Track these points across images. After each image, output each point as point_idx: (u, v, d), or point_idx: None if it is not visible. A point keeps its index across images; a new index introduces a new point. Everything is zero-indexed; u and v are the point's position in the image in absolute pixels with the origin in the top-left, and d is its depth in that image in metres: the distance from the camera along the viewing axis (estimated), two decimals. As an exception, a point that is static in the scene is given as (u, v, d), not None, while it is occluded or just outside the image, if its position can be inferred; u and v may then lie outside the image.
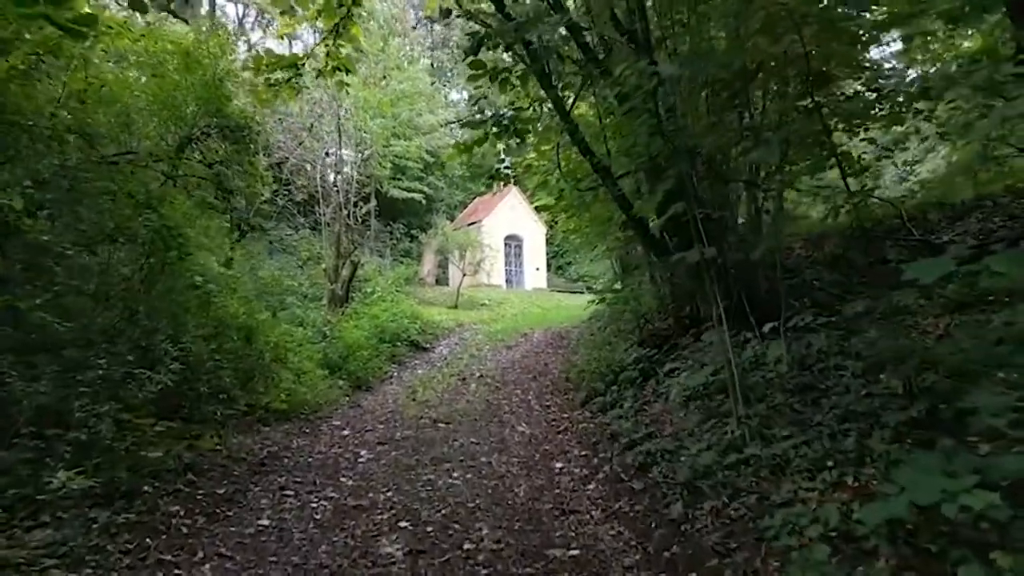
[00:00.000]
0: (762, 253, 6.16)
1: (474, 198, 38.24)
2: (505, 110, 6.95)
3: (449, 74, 46.44)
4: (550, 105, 8.69)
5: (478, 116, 7.09)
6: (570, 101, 7.93)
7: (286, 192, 18.69)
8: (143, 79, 8.15)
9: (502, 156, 8.97)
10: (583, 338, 13.38)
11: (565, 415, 8.19)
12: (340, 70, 6.73)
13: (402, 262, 25.23)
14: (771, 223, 7.30)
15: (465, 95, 49.29)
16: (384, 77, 21.48)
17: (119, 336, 5.68)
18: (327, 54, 6.55)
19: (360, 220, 18.38)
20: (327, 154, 16.58)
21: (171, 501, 4.96)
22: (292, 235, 16.37)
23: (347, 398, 10.32)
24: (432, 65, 43.07)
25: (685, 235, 7.38)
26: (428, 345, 15.33)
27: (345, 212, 16.10)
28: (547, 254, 36.03)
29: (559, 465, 6.33)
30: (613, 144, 8.58)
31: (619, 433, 6.47)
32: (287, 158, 17.41)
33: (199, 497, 5.22)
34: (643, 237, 8.43)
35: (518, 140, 7.14)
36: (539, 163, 9.78)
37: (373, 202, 22.19)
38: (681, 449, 5.39)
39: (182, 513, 4.83)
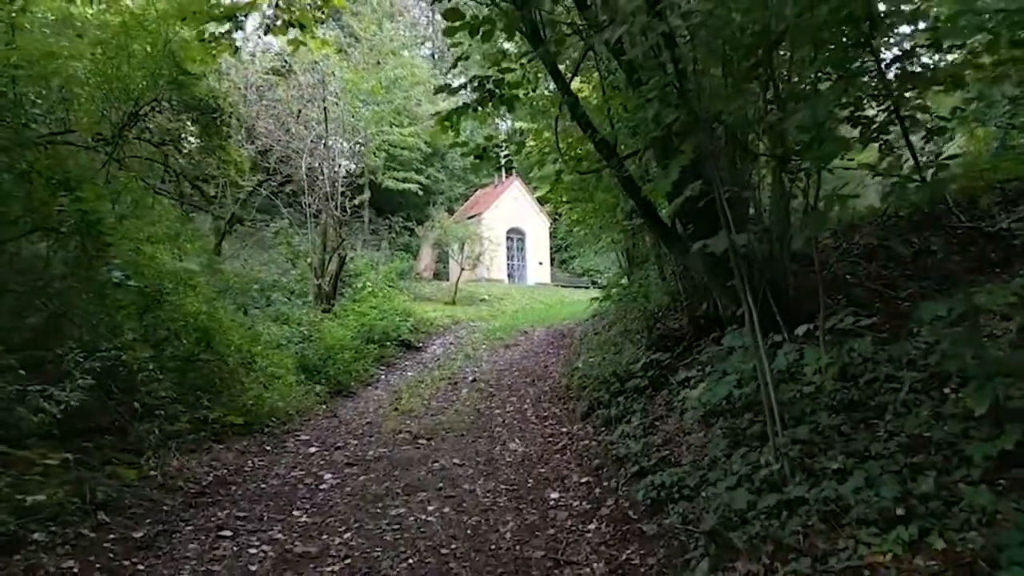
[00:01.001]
0: (802, 243, 5.12)
1: (475, 190, 37.20)
2: (488, 73, 5.88)
3: (449, 62, 45.27)
4: (545, 72, 7.69)
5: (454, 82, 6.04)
6: (569, 74, 6.92)
7: (274, 183, 17.74)
8: (82, 48, 7.11)
9: (493, 134, 7.91)
10: (586, 337, 12.34)
11: (564, 429, 7.17)
12: (294, 26, 5.69)
13: (400, 256, 24.23)
14: (808, 207, 6.29)
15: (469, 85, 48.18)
16: (378, 62, 20.40)
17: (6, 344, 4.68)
18: (277, 5, 5.51)
19: (351, 212, 17.35)
20: (312, 141, 15.54)
21: (66, 553, 3.95)
22: (278, 228, 15.28)
23: (323, 406, 9.31)
24: (433, 56, 42.06)
25: (702, 222, 6.41)
26: (420, 344, 14.32)
27: (332, 203, 15.07)
28: (551, 248, 34.98)
29: (555, 496, 5.30)
30: (619, 124, 7.57)
31: (626, 456, 5.44)
32: (272, 146, 16.41)
33: (107, 545, 4.21)
34: (652, 225, 7.39)
35: (505, 109, 6.10)
36: (535, 142, 8.73)
37: (367, 193, 21.17)
38: (704, 484, 4.36)
39: (76, 570, 3.83)
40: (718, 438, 4.95)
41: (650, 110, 5.61)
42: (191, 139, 11.08)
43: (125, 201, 7.24)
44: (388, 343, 13.27)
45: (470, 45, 5.84)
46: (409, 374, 11.85)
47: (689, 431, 5.51)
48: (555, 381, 9.81)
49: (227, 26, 5.66)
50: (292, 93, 16.92)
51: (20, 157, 5.62)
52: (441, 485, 5.61)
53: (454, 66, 6.19)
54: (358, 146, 18.68)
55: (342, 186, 16.63)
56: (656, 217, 7.37)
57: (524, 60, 5.84)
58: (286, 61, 18.16)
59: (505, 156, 7.26)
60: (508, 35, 5.82)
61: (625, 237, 16.56)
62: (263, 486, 5.72)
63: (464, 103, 6.02)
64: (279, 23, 5.70)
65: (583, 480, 5.53)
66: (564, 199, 17.92)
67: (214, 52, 5.92)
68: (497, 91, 5.86)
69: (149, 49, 7.26)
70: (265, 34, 6.35)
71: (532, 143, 8.93)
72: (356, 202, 18.33)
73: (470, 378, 10.80)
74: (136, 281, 7.14)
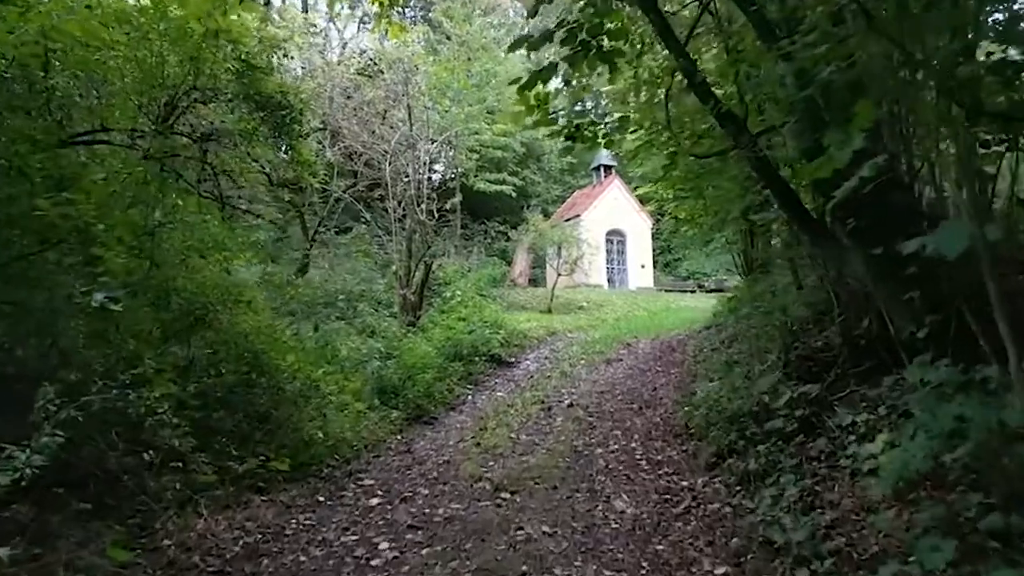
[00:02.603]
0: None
1: (573, 192, 35.71)
2: (579, 14, 4.45)
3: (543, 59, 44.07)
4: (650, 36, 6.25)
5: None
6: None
7: (361, 188, 17.01)
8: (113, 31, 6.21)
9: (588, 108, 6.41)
10: (702, 354, 10.66)
11: (684, 483, 5.61)
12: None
13: (493, 263, 23.11)
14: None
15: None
16: (469, 59, 19.37)
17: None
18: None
19: (439, 216, 16.33)
20: (397, 142, 14.59)
21: None
22: (356, 234, 14.36)
23: (398, 437, 8.14)
24: (528, 55, 40.88)
25: (866, 214, 4.89)
26: (512, 359, 13.01)
27: (419, 207, 14.03)
28: (653, 250, 32.99)
29: (682, 599, 3.81)
30: (750, 95, 5.99)
31: (784, 546, 3.86)
32: (358, 149, 15.62)
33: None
34: (797, 219, 5.75)
35: (604, 69, 4.67)
36: (636, 123, 7.24)
37: (457, 196, 20.15)
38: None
39: None
40: (927, 533, 3.32)
41: (796, 63, 4.14)
42: (261, 139, 10.22)
43: (166, 206, 6.29)
44: (476, 359, 12.04)
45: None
46: (498, 394, 10.55)
47: (873, 507, 3.88)
48: (667, 410, 8.23)
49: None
50: (378, 94, 16.12)
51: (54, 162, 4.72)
52: (525, 569, 4.21)
53: (533, 14, 4.77)
54: (448, 146, 17.69)
55: (430, 189, 15.64)
56: (802, 209, 5.74)
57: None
58: (373, 61, 17.48)
59: (604, 135, 5.78)
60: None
61: (742, 237, 14.73)
62: (302, 559, 4.52)
63: (551, 62, 4.62)
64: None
65: (720, 573, 3.99)
66: (670, 195, 16.29)
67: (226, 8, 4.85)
68: (593, 43, 4.43)
69: (179, 29, 6.26)
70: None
71: (633, 126, 7.41)
72: (447, 206, 17.30)
73: (566, 402, 9.37)
74: (179, 299, 6.27)
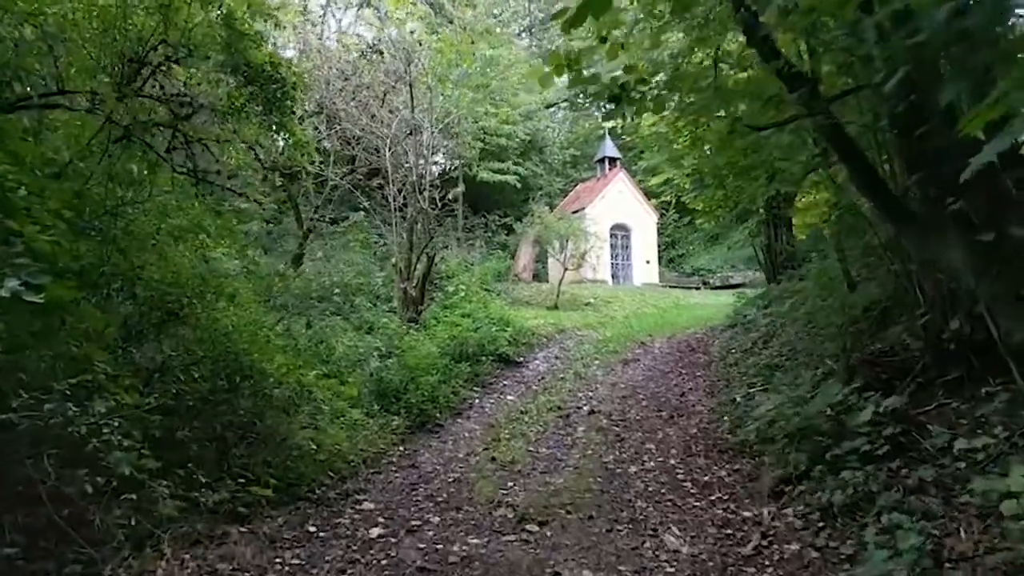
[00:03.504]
0: None
1: (575, 185, 34.75)
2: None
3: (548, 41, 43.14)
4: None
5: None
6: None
7: (359, 175, 16.07)
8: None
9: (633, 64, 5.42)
10: (731, 356, 9.76)
11: (746, 513, 4.70)
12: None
13: (498, 256, 22.14)
14: None
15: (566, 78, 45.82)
16: (472, 42, 18.38)
17: None
18: None
19: (442, 206, 15.36)
20: (398, 126, 13.64)
21: None
22: (354, 221, 13.32)
23: (400, 448, 7.22)
24: (530, 45, 40.01)
25: (983, 195, 4.05)
26: (521, 359, 12.08)
27: (421, 195, 13.08)
28: (658, 246, 32.04)
29: None
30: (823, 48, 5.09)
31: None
32: (356, 134, 14.66)
33: None
34: (875, 198, 4.89)
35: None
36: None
37: (460, 186, 19.20)
38: None
39: None
40: None
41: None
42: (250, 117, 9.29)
43: (132, 180, 5.37)
44: (483, 358, 11.12)
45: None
46: (508, 398, 9.64)
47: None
48: (703, 420, 7.32)
49: None
50: (377, 76, 15.17)
51: None
52: (569, 635, 3.30)
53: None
54: (450, 131, 16.72)
55: (433, 177, 14.71)
56: (883, 188, 4.88)
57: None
58: (371, 45, 16.52)
59: (655, 96, 4.88)
60: None
61: (765, 230, 13.82)
62: (286, 615, 3.61)
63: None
64: None
65: (825, 649, 3.09)
66: (687, 185, 15.36)
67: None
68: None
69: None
70: None
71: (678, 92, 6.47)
72: (450, 196, 16.33)
73: (585, 408, 8.47)
74: (148, 291, 5.35)
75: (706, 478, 5.51)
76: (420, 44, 13.29)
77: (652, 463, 6.08)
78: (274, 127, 9.96)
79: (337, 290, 13.55)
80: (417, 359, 9.15)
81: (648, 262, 30.51)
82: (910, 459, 4.21)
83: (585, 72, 4.91)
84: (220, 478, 4.85)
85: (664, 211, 31.52)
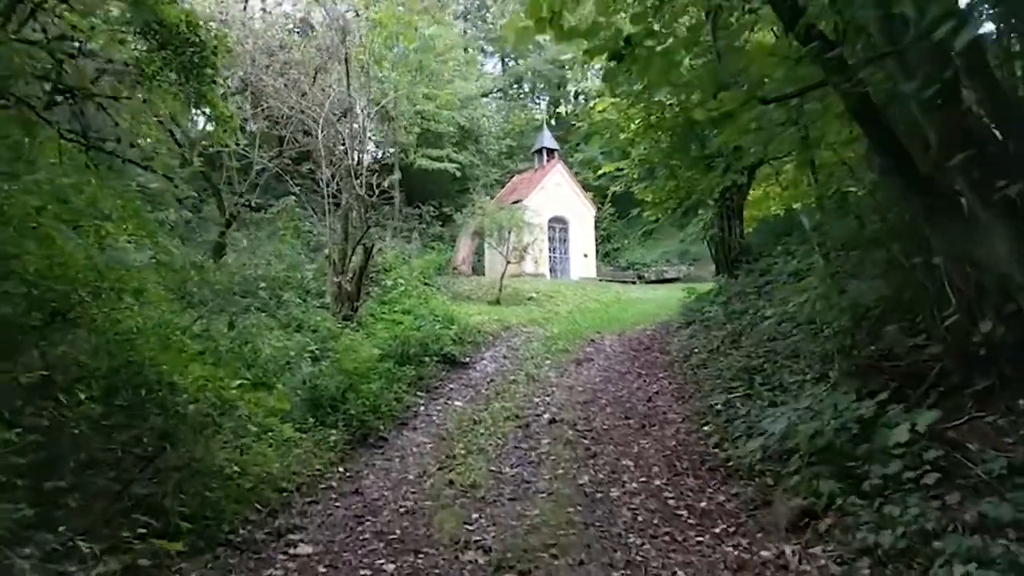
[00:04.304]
0: None
1: (511, 176, 33.94)
2: None
3: (482, 42, 42.22)
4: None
5: None
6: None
7: (288, 159, 14.82)
8: None
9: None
10: (695, 356, 9.15)
11: (765, 552, 3.96)
12: None
13: (438, 248, 21.09)
14: None
15: (499, 68, 45.02)
16: (409, 22, 17.31)
17: None
18: None
19: (379, 193, 14.30)
20: (332, 104, 12.50)
21: None
22: (283, 206, 12.06)
23: (340, 469, 6.25)
24: (464, 32, 39.00)
25: None
26: (467, 359, 11.21)
27: (356, 180, 11.99)
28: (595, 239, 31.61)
29: None
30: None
31: None
32: (284, 112, 13.41)
33: None
34: (909, 183, 4.27)
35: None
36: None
37: (397, 173, 18.11)
38: None
39: None
40: None
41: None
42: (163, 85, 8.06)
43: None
44: (427, 359, 10.19)
45: None
46: (457, 404, 8.77)
47: None
48: (680, 431, 6.63)
49: None
50: (309, 52, 13.97)
51: None
52: None
53: None
54: (387, 114, 15.63)
55: (370, 162, 13.63)
56: (910, 168, 4.25)
57: None
58: (302, 19, 15.29)
59: (666, 53, 4.11)
60: None
61: (718, 222, 13.33)
62: None
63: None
64: None
65: None
66: (636, 175, 14.75)
67: None
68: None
69: None
70: None
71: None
72: (386, 183, 15.25)
73: (545, 416, 7.68)
74: (25, 285, 4.24)
75: (702, 504, 4.79)
76: (357, 15, 12.18)
77: (634, 484, 5.33)
78: (192, 99, 8.77)
79: (263, 284, 12.37)
80: (355, 362, 8.15)
81: (586, 256, 30.04)
82: (959, 487, 3.58)
83: (576, 24, 4.04)
84: (118, 525, 3.82)
85: (600, 204, 31.14)
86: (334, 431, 6.97)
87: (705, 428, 6.38)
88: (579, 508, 4.85)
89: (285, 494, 5.28)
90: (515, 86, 43.35)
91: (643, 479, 5.43)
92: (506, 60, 44.96)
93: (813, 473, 4.23)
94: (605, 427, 7.11)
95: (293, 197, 11.41)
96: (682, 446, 6.12)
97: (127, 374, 4.64)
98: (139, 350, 4.64)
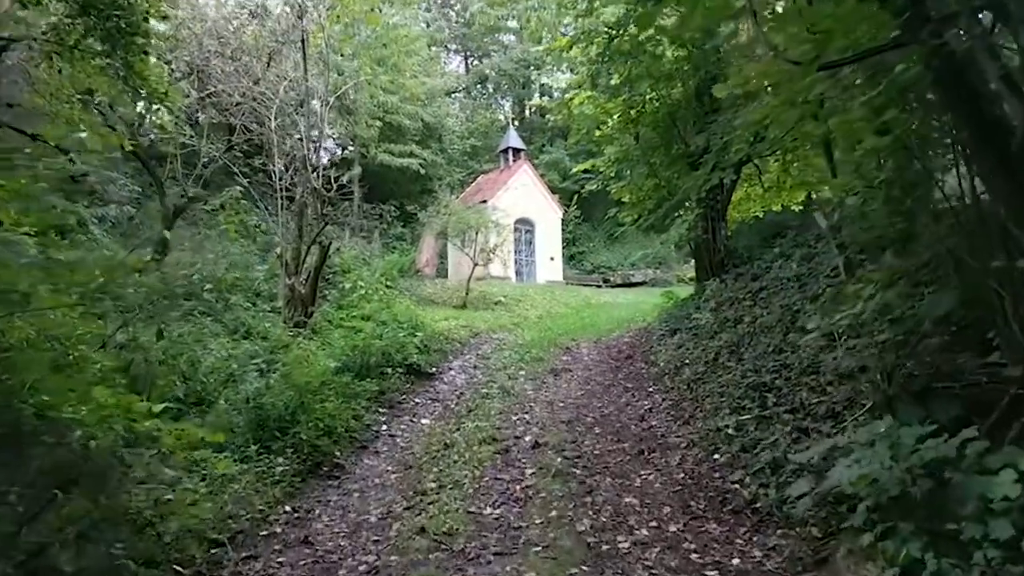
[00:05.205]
0: None
1: (476, 176, 32.96)
2: None
3: (447, 41, 41.31)
4: None
5: None
6: None
7: (239, 151, 13.63)
8: None
9: None
10: (686, 368, 8.30)
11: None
12: None
13: (402, 249, 19.99)
14: None
15: (463, 67, 43.93)
16: (372, 8, 16.26)
17: None
18: None
19: (337, 188, 13.20)
20: (286, 91, 11.40)
21: None
22: (227, 197, 10.82)
23: (286, 508, 5.21)
24: (427, 25, 37.99)
25: None
26: (434, 370, 10.22)
27: (312, 173, 10.90)
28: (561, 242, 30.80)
29: None
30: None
31: None
32: (231, 96, 12.22)
33: None
34: (994, 159, 3.45)
35: None
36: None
37: (357, 168, 16.99)
38: None
39: None
40: None
41: None
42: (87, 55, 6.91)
43: None
44: (390, 370, 9.17)
45: None
46: (425, 423, 7.79)
47: None
48: (686, 456, 5.75)
49: None
50: (262, 33, 12.84)
51: None
52: None
53: None
54: (346, 106, 14.51)
55: (329, 156, 12.53)
56: (1003, 147, 3.45)
57: None
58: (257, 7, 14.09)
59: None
60: None
61: (702, 223, 12.53)
62: None
63: None
64: None
65: None
66: (612, 172, 13.91)
67: None
68: None
69: None
70: None
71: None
72: (345, 178, 14.14)
73: (527, 439, 6.75)
74: None
75: (735, 561, 3.89)
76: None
77: (645, 530, 4.42)
78: (120, 73, 7.64)
79: (209, 285, 11.22)
80: (308, 376, 7.10)
81: (552, 258, 29.24)
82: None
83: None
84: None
85: (567, 206, 30.40)
86: (281, 459, 5.92)
87: (717, 457, 5.52)
88: (584, 569, 3.90)
89: (214, 552, 4.23)
90: (479, 85, 42.40)
91: (654, 524, 4.52)
92: (470, 59, 44.05)
93: (885, 529, 3.36)
94: (597, 452, 6.20)
95: (239, 188, 10.21)
96: (693, 479, 5.24)
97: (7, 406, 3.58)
98: (16, 375, 3.57)
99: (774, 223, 12.59)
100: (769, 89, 4.57)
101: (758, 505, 4.48)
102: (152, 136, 11.07)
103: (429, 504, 5.11)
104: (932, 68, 3.38)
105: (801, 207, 13.43)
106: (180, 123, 9.98)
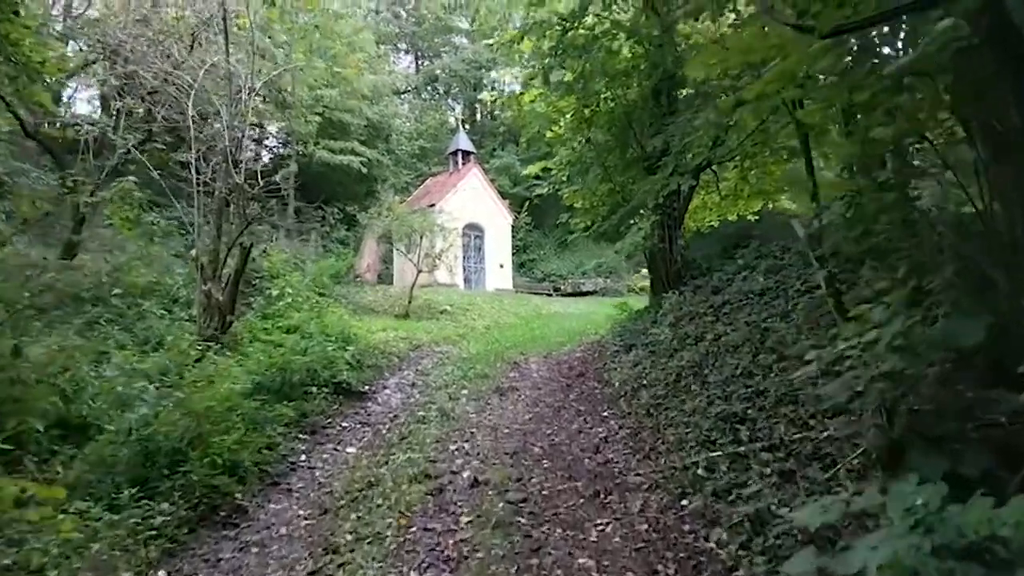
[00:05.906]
0: None
1: (424, 179, 31.94)
2: None
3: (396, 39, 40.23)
4: None
5: None
6: None
7: (157, 141, 12.44)
8: None
9: None
10: (645, 391, 7.51)
11: None
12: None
13: (339, 253, 18.82)
14: None
15: (413, 68, 42.85)
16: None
17: None
18: None
19: (268, 187, 12.06)
20: (206, 71, 10.26)
21: None
22: (120, 187, 9.51)
23: (158, 575, 4.19)
24: (376, 13, 36.90)
25: None
26: (366, 388, 9.21)
27: (235, 166, 9.77)
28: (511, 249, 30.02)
29: None
30: None
31: None
32: (151, 83, 11.02)
33: None
34: None
35: None
36: None
37: (293, 166, 15.82)
38: None
39: None
40: None
41: None
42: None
43: None
44: (314, 390, 8.14)
45: None
46: (350, 451, 6.82)
47: None
48: (649, 501, 4.92)
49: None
50: (185, 14, 11.68)
51: None
52: None
53: None
54: (281, 98, 13.38)
55: (256, 142, 11.39)
56: None
57: None
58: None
59: None
60: None
61: (658, 230, 11.81)
62: None
63: None
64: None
65: None
66: (565, 176, 13.13)
67: None
68: None
69: None
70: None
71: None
72: (278, 177, 12.99)
73: (465, 474, 5.83)
74: None
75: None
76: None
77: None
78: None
79: (118, 290, 10.04)
80: (211, 399, 6.04)
81: (502, 266, 28.43)
82: None
83: None
84: None
85: (517, 212, 29.67)
86: (166, 504, 4.89)
87: (685, 503, 4.70)
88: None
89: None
90: (430, 86, 41.40)
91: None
92: (421, 59, 43.04)
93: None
94: (545, 493, 5.32)
95: (132, 179, 9.00)
96: (659, 533, 4.40)
97: None
98: None
99: (733, 233, 12.03)
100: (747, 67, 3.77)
101: (740, 574, 3.66)
102: (67, 122, 9.80)
103: (340, 567, 4.15)
104: (981, 31, 2.63)
105: (758, 217, 12.93)
106: (57, 72, 8.66)
